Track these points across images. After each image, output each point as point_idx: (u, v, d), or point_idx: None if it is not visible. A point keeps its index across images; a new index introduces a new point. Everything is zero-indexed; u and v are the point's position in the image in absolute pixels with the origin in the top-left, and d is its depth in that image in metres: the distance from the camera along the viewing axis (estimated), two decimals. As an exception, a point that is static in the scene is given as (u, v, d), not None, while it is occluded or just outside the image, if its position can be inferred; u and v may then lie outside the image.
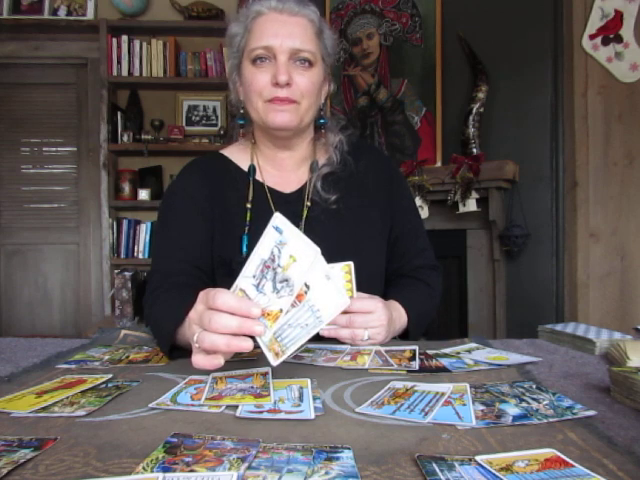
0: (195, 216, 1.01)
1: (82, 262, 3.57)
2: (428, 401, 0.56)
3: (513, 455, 0.42)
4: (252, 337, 0.59)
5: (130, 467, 0.41)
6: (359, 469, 0.40)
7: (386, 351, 0.81)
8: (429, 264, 1.11)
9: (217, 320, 0.59)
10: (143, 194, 3.34)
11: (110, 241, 3.33)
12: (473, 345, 0.86)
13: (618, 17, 2.31)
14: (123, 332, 1.00)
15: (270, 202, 1.03)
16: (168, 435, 0.47)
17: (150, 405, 0.57)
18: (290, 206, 1.02)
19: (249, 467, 0.40)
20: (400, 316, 0.95)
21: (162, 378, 0.69)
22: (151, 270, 0.99)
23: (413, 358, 0.76)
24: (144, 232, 3.33)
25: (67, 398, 0.59)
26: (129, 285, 2.51)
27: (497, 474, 0.39)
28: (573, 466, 0.40)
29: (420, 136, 2.85)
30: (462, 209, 2.52)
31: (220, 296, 0.59)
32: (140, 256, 3.32)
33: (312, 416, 0.52)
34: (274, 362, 0.60)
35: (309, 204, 1.03)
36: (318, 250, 0.58)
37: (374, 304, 0.86)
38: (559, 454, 0.42)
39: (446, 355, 0.80)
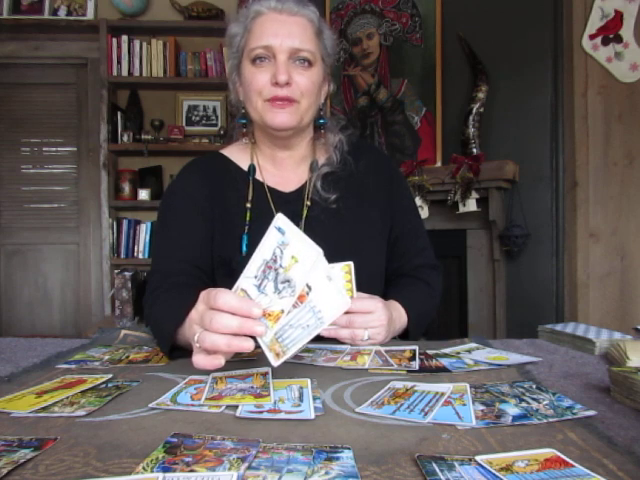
0: (195, 216, 1.01)
1: (82, 262, 3.57)
2: (428, 401, 0.56)
3: (513, 455, 0.42)
4: (253, 337, 0.59)
5: (130, 467, 0.41)
6: (359, 469, 0.40)
7: (386, 351, 0.81)
8: (429, 263, 1.11)
9: (218, 320, 0.59)
10: (143, 194, 3.34)
11: (110, 241, 3.33)
12: (473, 345, 0.86)
13: (618, 17, 2.31)
14: (123, 332, 1.00)
15: (270, 201, 1.03)
16: (168, 435, 0.47)
17: (150, 405, 0.57)
18: (290, 205, 1.02)
19: (249, 467, 0.40)
20: (400, 316, 0.95)
21: (162, 378, 0.69)
22: (151, 270, 0.99)
23: (413, 358, 0.76)
24: (144, 232, 3.33)
25: (67, 398, 0.59)
26: (129, 285, 2.51)
27: (497, 474, 0.39)
28: (573, 466, 0.40)
29: (420, 136, 2.85)
30: (462, 209, 2.52)
31: (221, 296, 0.59)
32: (140, 256, 3.32)
33: (312, 416, 0.52)
34: (275, 362, 0.60)
35: (309, 203, 1.03)
36: (320, 251, 0.58)
37: (374, 304, 0.86)
38: (559, 454, 0.42)
39: (446, 355, 0.80)
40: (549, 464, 0.41)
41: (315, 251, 0.58)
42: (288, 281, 0.58)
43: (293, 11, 0.97)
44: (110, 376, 0.69)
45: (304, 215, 1.02)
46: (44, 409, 0.56)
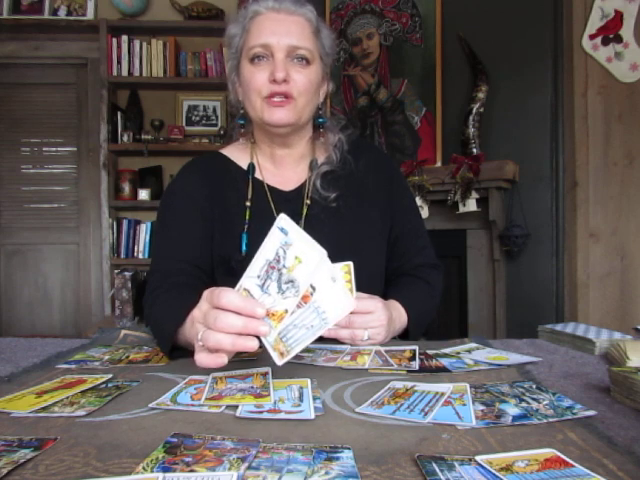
0: (195, 216, 1.02)
1: (82, 262, 3.57)
2: (428, 401, 0.56)
3: (513, 455, 0.42)
4: (257, 337, 0.60)
5: (130, 467, 0.41)
6: (359, 469, 0.40)
7: (386, 351, 0.81)
8: (430, 262, 1.11)
9: (222, 319, 0.59)
10: (143, 194, 3.34)
11: (110, 241, 3.33)
12: (473, 345, 0.86)
13: (618, 17, 2.31)
14: (123, 332, 1.00)
15: (270, 200, 1.03)
16: (168, 435, 0.47)
17: (150, 405, 0.57)
18: (290, 204, 1.03)
19: (249, 467, 0.40)
20: (400, 316, 0.95)
21: (162, 378, 0.69)
22: (151, 270, 0.99)
23: (413, 358, 0.76)
24: (144, 232, 3.33)
25: (67, 398, 0.59)
26: (129, 285, 2.51)
27: (497, 474, 0.39)
28: (573, 466, 0.40)
29: (420, 136, 2.85)
30: (462, 209, 2.52)
31: (225, 295, 0.59)
32: (140, 256, 3.32)
33: (312, 416, 0.52)
34: (279, 362, 0.60)
35: (309, 202, 1.03)
36: (324, 252, 0.58)
37: (374, 304, 0.86)
38: (559, 454, 0.42)
39: (446, 355, 0.80)
40: (549, 464, 0.41)
41: (319, 252, 0.58)
42: (292, 281, 0.58)
43: (290, 10, 0.97)
44: (110, 376, 0.69)
45: (304, 214, 1.02)
46: (44, 409, 0.56)
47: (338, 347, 0.84)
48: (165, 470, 0.40)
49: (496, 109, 2.62)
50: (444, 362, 0.75)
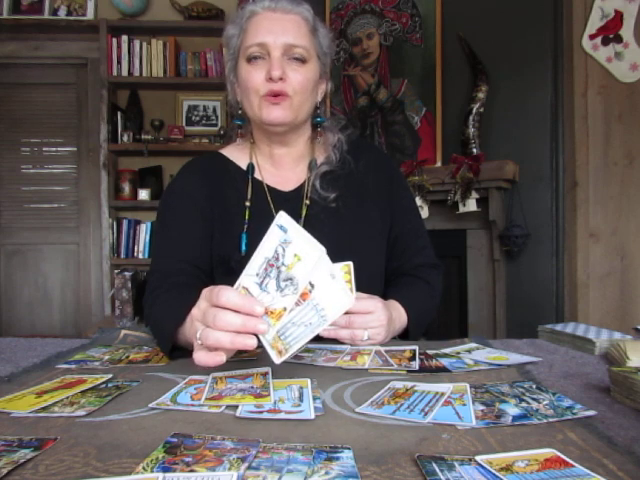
0: (194, 215, 1.02)
1: (82, 262, 3.57)
2: (428, 401, 0.56)
3: (513, 455, 0.42)
4: (255, 335, 0.59)
5: (130, 467, 0.41)
6: (359, 469, 0.40)
7: (386, 351, 0.81)
8: (429, 262, 1.11)
9: (221, 317, 0.59)
10: (143, 194, 3.34)
11: (110, 241, 3.33)
12: (473, 345, 0.86)
13: (618, 17, 2.31)
14: (123, 332, 1.00)
15: (269, 200, 1.03)
16: (168, 435, 0.47)
17: (150, 405, 0.57)
18: (289, 204, 1.03)
19: (249, 467, 0.40)
20: (400, 316, 0.95)
21: (162, 378, 0.69)
22: (150, 270, 0.99)
23: (413, 358, 0.76)
24: (144, 232, 3.33)
25: (67, 398, 0.59)
26: (129, 285, 2.51)
27: (497, 474, 0.39)
28: (573, 466, 0.40)
29: (420, 136, 2.85)
30: (462, 209, 2.52)
31: (224, 293, 0.59)
32: (140, 256, 3.32)
33: (312, 416, 0.52)
34: (277, 360, 0.60)
35: (308, 202, 1.04)
36: (323, 250, 0.58)
37: (373, 304, 0.86)
38: (559, 454, 0.42)
39: (446, 355, 0.80)
40: (549, 464, 0.41)
41: (318, 250, 0.57)
42: (290, 279, 0.58)
43: (287, 9, 0.98)
44: (110, 376, 0.69)
45: (303, 214, 1.03)
46: (44, 409, 0.56)
47: (338, 347, 0.84)
48: (165, 470, 0.40)
49: (496, 109, 2.62)
50: (444, 362, 0.75)
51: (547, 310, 2.49)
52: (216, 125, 3.55)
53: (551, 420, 0.51)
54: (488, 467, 0.40)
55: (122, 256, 3.33)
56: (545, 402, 0.56)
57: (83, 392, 0.62)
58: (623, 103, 2.30)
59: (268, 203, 1.03)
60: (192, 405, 0.57)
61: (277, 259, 0.59)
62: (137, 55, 3.31)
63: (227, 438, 0.46)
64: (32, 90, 3.53)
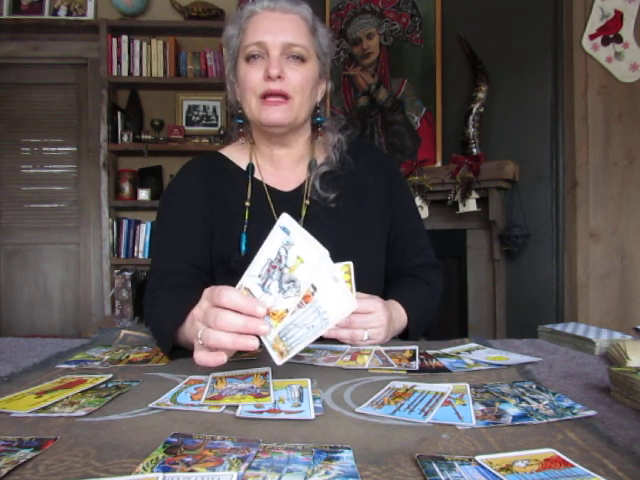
0: (194, 215, 1.02)
1: (82, 262, 3.57)
2: (428, 401, 0.56)
3: (513, 455, 0.42)
4: (256, 336, 0.60)
5: (130, 467, 0.41)
6: (359, 469, 0.40)
7: (386, 351, 0.81)
8: (429, 262, 1.11)
9: (223, 318, 0.59)
10: (143, 194, 3.34)
11: (110, 241, 3.33)
12: (473, 345, 0.86)
13: (618, 17, 2.31)
14: (123, 332, 1.00)
15: (269, 201, 1.03)
16: (168, 435, 0.47)
17: (150, 405, 0.57)
18: (289, 205, 1.03)
19: (249, 467, 0.40)
20: (400, 316, 0.95)
21: (162, 378, 0.69)
22: (150, 270, 0.99)
23: (413, 358, 0.76)
24: (144, 232, 3.33)
25: (67, 398, 0.59)
26: (129, 285, 2.51)
27: (497, 474, 0.39)
28: (573, 466, 0.40)
29: (420, 136, 2.85)
30: (462, 209, 2.52)
31: (226, 294, 0.59)
32: (140, 256, 3.32)
33: (312, 416, 0.52)
34: (279, 361, 0.60)
35: (308, 203, 1.04)
36: (326, 252, 0.58)
37: (373, 304, 0.86)
38: (559, 454, 0.42)
39: (446, 355, 0.80)
40: (549, 464, 0.41)
41: (321, 252, 0.58)
42: (293, 281, 0.58)
43: (286, 9, 0.98)
44: (110, 376, 0.69)
45: (303, 214, 1.03)
46: (44, 409, 0.56)
47: (338, 347, 0.84)
48: (165, 470, 0.40)
49: (496, 109, 2.62)
50: (444, 362, 0.75)
51: (547, 310, 2.49)
52: (216, 125, 3.55)
53: (551, 420, 0.51)
54: (488, 467, 0.40)
55: (122, 256, 3.33)
56: (545, 402, 0.56)
57: (83, 392, 0.62)
58: (623, 103, 2.30)
59: (268, 203, 1.03)
60: (192, 405, 0.57)
61: (280, 261, 0.59)
62: (137, 55, 3.31)
63: (227, 438, 0.46)
64: (32, 90, 3.53)
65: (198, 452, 0.43)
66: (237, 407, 0.55)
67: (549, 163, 2.50)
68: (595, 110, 2.35)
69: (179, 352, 0.80)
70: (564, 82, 2.46)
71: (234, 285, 0.62)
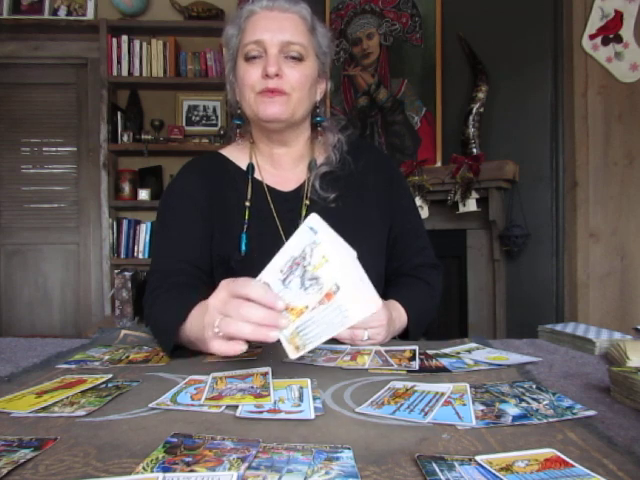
0: (194, 215, 1.02)
1: (82, 262, 3.57)
2: (428, 401, 0.56)
3: (513, 455, 0.42)
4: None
5: (130, 467, 0.41)
6: (359, 469, 0.40)
7: (386, 351, 0.81)
8: (429, 263, 1.11)
9: (245, 308, 0.60)
10: (143, 194, 3.34)
11: (110, 241, 3.33)
12: (473, 345, 0.86)
13: (618, 17, 2.31)
14: (123, 332, 1.00)
15: (269, 201, 1.03)
16: (168, 435, 0.47)
17: (150, 405, 0.57)
18: (289, 205, 1.03)
19: (249, 467, 0.40)
20: (400, 316, 0.95)
21: (162, 378, 0.69)
22: (150, 270, 0.99)
23: (413, 358, 0.76)
24: (144, 232, 3.33)
25: (67, 398, 0.59)
26: (129, 285, 2.51)
27: (497, 474, 0.39)
28: (573, 466, 0.40)
29: (420, 136, 2.85)
30: (462, 209, 2.52)
31: (247, 285, 0.61)
32: (140, 256, 3.32)
33: (312, 416, 0.52)
34: (293, 355, 0.61)
35: (308, 203, 1.04)
36: (354, 253, 0.59)
37: (374, 304, 0.86)
38: (559, 454, 0.42)
39: (446, 355, 0.80)
40: (549, 464, 0.41)
41: (349, 253, 0.58)
42: (316, 279, 0.59)
43: (284, 8, 0.98)
44: (110, 376, 0.69)
45: (303, 214, 1.03)
46: (44, 409, 0.56)
47: (338, 347, 0.84)
48: (165, 470, 0.40)
49: (496, 109, 2.62)
50: (444, 362, 0.75)
51: (547, 310, 2.48)
52: (216, 125, 3.55)
53: (551, 420, 0.51)
54: (488, 467, 0.40)
55: (122, 256, 3.33)
56: (545, 402, 0.56)
57: (83, 392, 0.62)
58: (623, 103, 2.30)
59: (268, 203, 1.03)
60: (192, 405, 0.57)
61: (304, 258, 0.60)
62: (137, 55, 3.31)
63: (227, 438, 0.46)
64: (32, 90, 3.53)
65: (198, 452, 0.43)
66: (237, 407, 0.55)
67: (549, 163, 2.50)
68: (595, 110, 2.35)
69: (179, 351, 0.80)
70: (564, 82, 2.46)
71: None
